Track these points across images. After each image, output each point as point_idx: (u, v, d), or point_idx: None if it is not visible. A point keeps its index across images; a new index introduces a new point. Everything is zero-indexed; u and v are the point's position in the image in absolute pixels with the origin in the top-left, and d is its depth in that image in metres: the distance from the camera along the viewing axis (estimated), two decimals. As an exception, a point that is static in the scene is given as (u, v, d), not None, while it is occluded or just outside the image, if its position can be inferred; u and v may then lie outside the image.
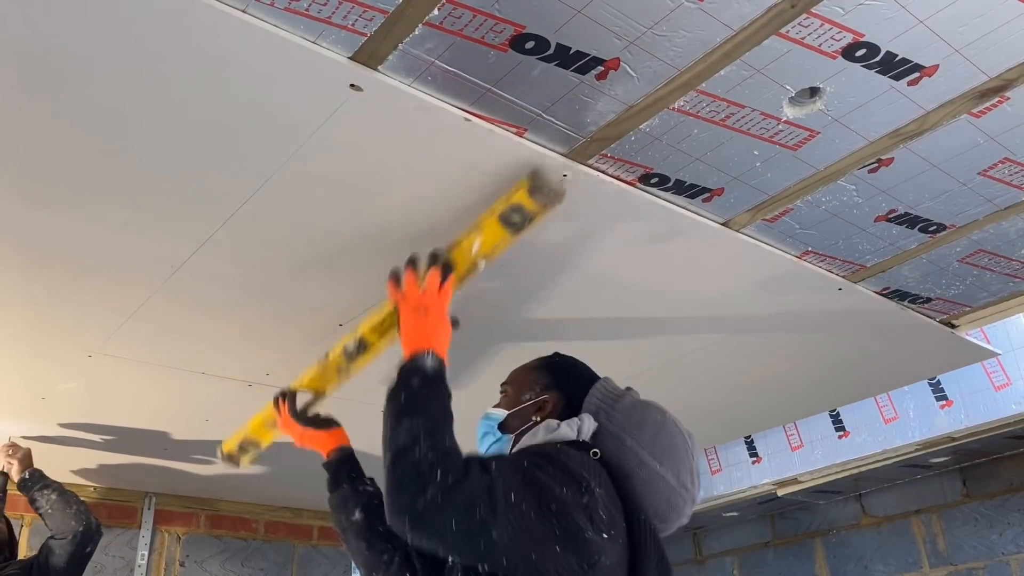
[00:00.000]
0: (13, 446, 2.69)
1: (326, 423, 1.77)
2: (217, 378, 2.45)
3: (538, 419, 1.41)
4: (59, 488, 2.63)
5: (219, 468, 3.26)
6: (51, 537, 2.57)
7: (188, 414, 2.71)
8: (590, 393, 1.43)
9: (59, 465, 3.07)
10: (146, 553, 3.44)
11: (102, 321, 2.09)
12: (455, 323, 1.44)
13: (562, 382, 1.47)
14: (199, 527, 3.64)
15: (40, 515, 2.63)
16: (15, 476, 2.64)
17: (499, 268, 1.93)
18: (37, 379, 2.40)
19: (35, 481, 2.62)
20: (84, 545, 2.56)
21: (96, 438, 2.86)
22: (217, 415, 2.72)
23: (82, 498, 2.69)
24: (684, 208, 1.78)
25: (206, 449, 3.04)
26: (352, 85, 1.38)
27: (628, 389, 1.47)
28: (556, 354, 1.57)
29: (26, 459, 2.67)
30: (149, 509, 3.50)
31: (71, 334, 2.15)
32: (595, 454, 1.30)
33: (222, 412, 2.70)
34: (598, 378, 1.48)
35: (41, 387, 2.45)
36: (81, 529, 2.54)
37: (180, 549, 3.56)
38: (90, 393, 2.51)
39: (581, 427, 1.35)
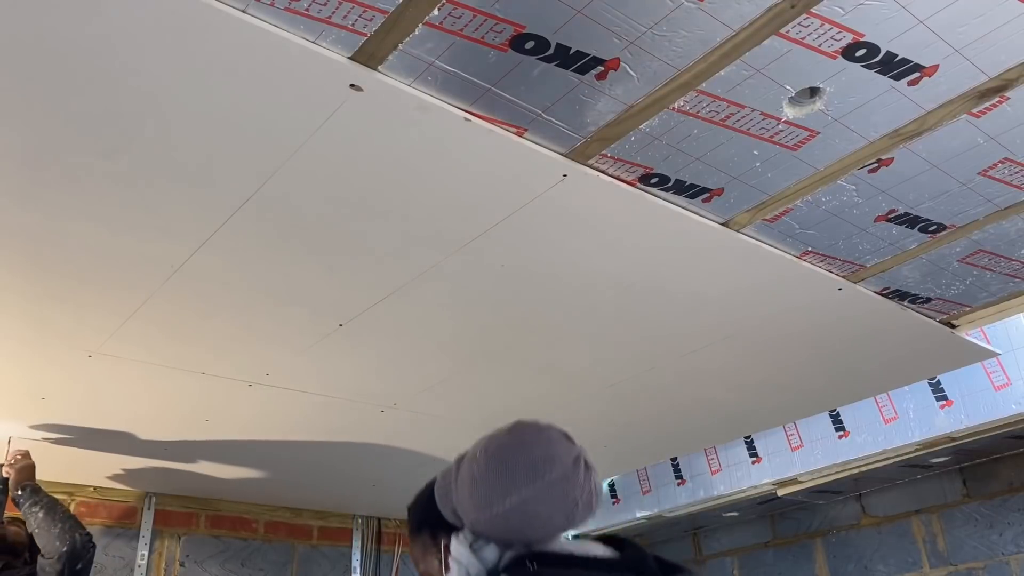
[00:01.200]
0: (19, 455, 2.67)
1: None
2: (217, 378, 2.45)
3: None
4: (47, 505, 2.57)
5: (219, 468, 3.27)
6: (40, 556, 2.54)
7: (188, 414, 2.71)
8: (437, 505, 1.31)
9: (59, 465, 3.07)
10: (146, 553, 3.44)
11: (102, 321, 2.09)
12: None
13: (432, 521, 1.35)
14: (199, 527, 3.63)
15: (31, 534, 2.59)
16: (11, 489, 2.62)
17: (499, 269, 1.94)
18: (37, 379, 2.40)
19: (26, 498, 2.57)
20: (73, 563, 2.50)
21: (96, 438, 2.86)
22: (217, 415, 2.72)
23: (71, 511, 2.61)
24: (684, 208, 1.78)
25: (206, 449, 3.04)
26: (352, 85, 1.38)
27: (460, 459, 1.33)
28: (409, 507, 1.48)
29: (22, 473, 2.62)
30: (149, 509, 3.50)
31: (71, 334, 2.15)
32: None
33: (222, 412, 2.71)
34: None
35: (41, 387, 2.45)
36: (65, 550, 2.48)
37: (180, 549, 3.55)
38: (90, 393, 2.51)
39: (451, 546, 1.24)
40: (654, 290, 2.07)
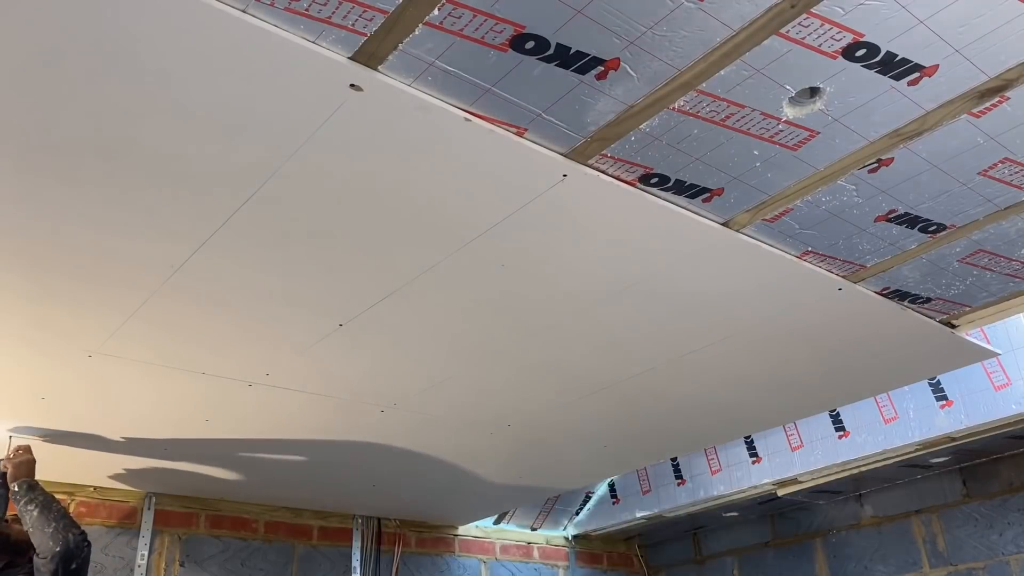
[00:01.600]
0: (19, 450, 2.64)
1: None
2: (217, 378, 2.45)
3: None
4: (42, 503, 2.54)
5: (219, 468, 3.27)
6: (35, 555, 2.51)
7: (188, 414, 2.71)
8: None
9: (59, 465, 3.07)
10: (146, 553, 3.44)
11: (102, 321, 2.09)
12: None
13: None
14: (199, 527, 3.63)
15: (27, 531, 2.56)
16: (9, 484, 2.59)
17: (499, 269, 1.94)
18: (37, 379, 2.40)
19: (21, 495, 2.55)
20: (67, 563, 2.46)
21: (96, 438, 2.86)
22: (217, 415, 2.73)
23: (67, 510, 2.57)
24: (684, 208, 1.78)
25: (206, 449, 3.04)
26: (352, 85, 1.38)
27: None
28: None
29: (20, 468, 2.59)
30: (149, 509, 3.50)
31: (71, 334, 2.15)
32: None
33: (222, 412, 2.71)
34: None
35: (41, 387, 2.45)
36: (59, 550, 2.44)
37: (180, 549, 3.55)
38: (90, 393, 2.51)
39: None
40: (654, 290, 2.07)
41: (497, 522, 4.52)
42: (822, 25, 1.32)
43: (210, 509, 3.67)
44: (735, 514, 4.34)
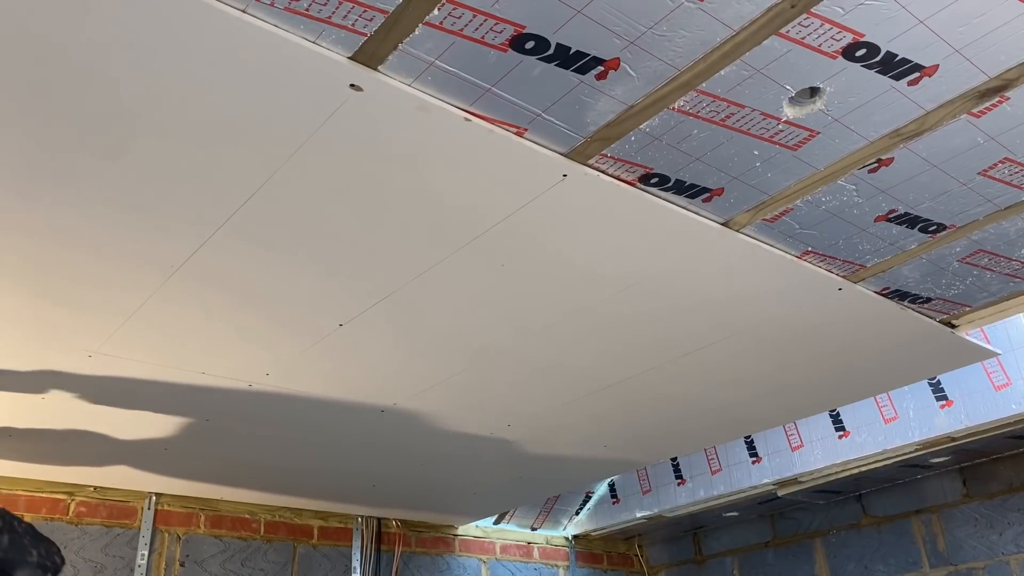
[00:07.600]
0: None
1: None
2: (217, 378, 2.45)
3: None
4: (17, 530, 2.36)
5: (219, 468, 3.27)
6: None
7: (188, 414, 2.71)
8: None
9: (59, 465, 3.07)
10: (146, 553, 3.44)
11: (102, 321, 2.09)
12: None
13: None
14: (199, 527, 3.63)
15: None
16: None
17: (499, 269, 1.94)
18: (37, 379, 2.40)
19: None
20: None
21: (96, 438, 2.86)
22: (217, 415, 2.73)
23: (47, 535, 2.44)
24: (684, 208, 1.78)
25: (206, 449, 3.04)
26: (352, 85, 1.38)
27: None
28: None
29: None
30: (149, 509, 3.50)
31: (72, 334, 2.15)
32: None
33: (222, 412, 2.71)
34: None
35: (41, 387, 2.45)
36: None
37: (180, 549, 3.55)
38: (90, 393, 2.51)
39: None
40: (654, 290, 2.07)
41: (497, 522, 4.53)
42: (822, 25, 1.32)
43: (210, 509, 3.67)
44: (735, 514, 4.35)
